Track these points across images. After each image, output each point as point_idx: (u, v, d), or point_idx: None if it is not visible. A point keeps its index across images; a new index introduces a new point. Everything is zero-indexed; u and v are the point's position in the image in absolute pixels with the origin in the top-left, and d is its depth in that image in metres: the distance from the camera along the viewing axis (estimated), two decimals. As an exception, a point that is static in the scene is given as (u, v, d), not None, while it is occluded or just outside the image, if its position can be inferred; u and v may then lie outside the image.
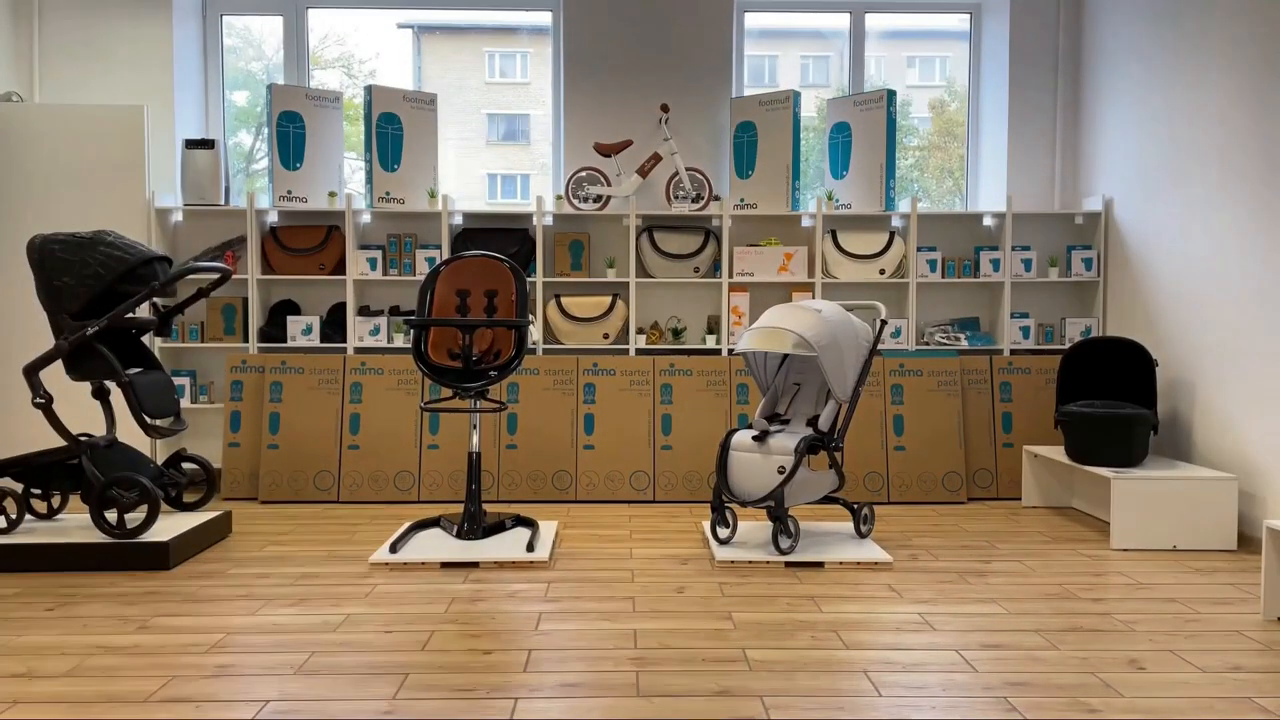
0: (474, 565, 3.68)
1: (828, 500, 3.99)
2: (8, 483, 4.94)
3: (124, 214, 5.09)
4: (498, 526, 4.06)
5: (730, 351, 5.29)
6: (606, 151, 5.36)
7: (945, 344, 5.38)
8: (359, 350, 5.37)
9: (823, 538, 4.03)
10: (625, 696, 2.47)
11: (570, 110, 5.55)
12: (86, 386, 4.92)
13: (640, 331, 5.44)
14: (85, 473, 3.79)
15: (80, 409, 4.98)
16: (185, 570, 3.65)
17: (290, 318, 5.31)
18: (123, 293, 3.76)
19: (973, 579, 3.55)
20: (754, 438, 3.87)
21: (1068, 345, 5.20)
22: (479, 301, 4.12)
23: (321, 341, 5.35)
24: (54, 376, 4.92)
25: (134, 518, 3.83)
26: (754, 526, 4.22)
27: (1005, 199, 5.40)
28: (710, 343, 5.37)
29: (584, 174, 5.43)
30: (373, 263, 5.31)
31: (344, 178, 5.52)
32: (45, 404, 3.76)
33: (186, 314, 5.46)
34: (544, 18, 5.77)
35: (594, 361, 5.11)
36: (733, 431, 3.96)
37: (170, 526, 3.86)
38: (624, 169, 5.52)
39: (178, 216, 5.46)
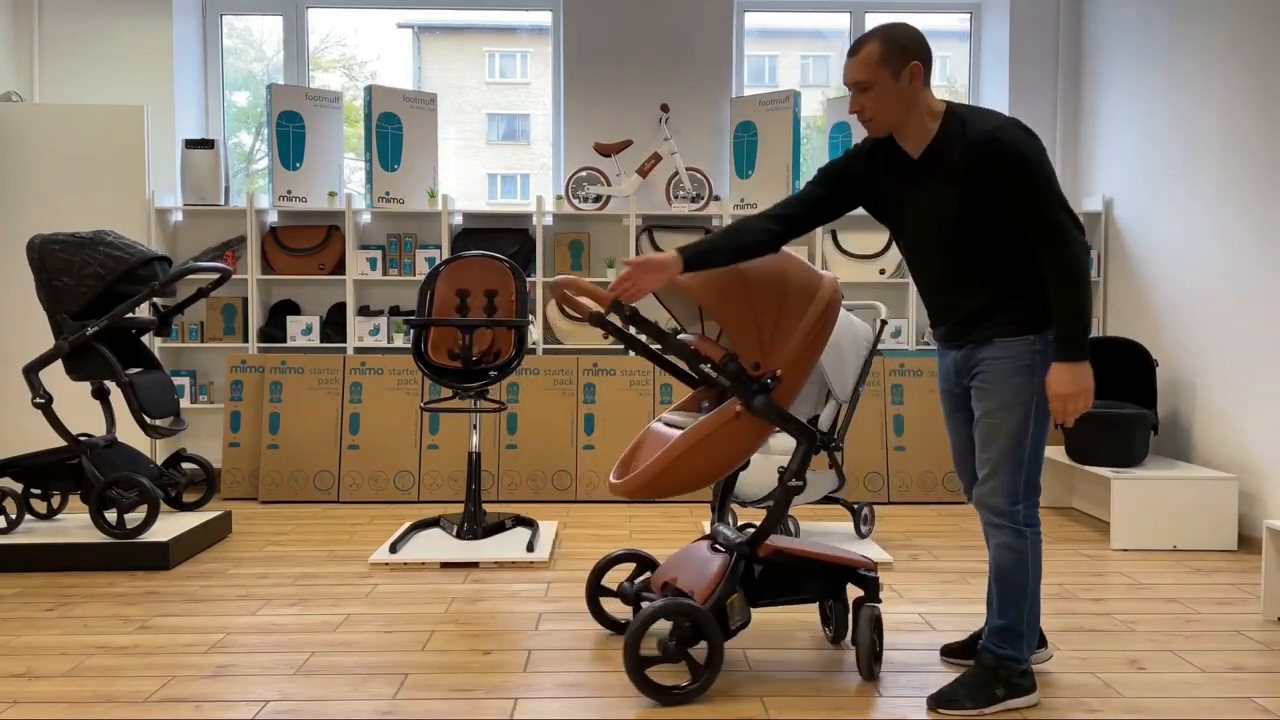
0: (474, 565, 3.68)
1: (828, 500, 3.98)
2: (8, 483, 4.94)
3: (124, 214, 5.09)
4: (498, 526, 4.06)
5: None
6: (606, 151, 5.36)
7: (945, 344, 5.37)
8: (359, 350, 5.37)
9: (823, 538, 4.03)
10: (625, 696, 2.47)
11: (570, 110, 5.54)
12: (86, 386, 4.92)
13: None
14: (85, 473, 3.79)
15: (80, 409, 4.97)
16: (185, 570, 3.65)
17: (290, 318, 5.31)
18: (122, 293, 3.76)
19: (973, 579, 3.55)
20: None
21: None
22: (479, 301, 4.11)
23: (321, 341, 5.35)
24: (54, 376, 4.91)
25: (134, 518, 3.83)
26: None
27: (1005, 199, 5.39)
28: (710, 343, 5.36)
29: (584, 174, 5.43)
30: (373, 263, 5.31)
31: (344, 178, 5.52)
32: (45, 404, 3.76)
33: (186, 314, 5.46)
34: (544, 18, 5.77)
35: (594, 361, 5.11)
36: (733, 431, 3.95)
37: (170, 526, 3.85)
38: (624, 169, 5.52)
39: (178, 216, 5.46)
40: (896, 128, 2.36)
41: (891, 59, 2.30)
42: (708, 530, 4.03)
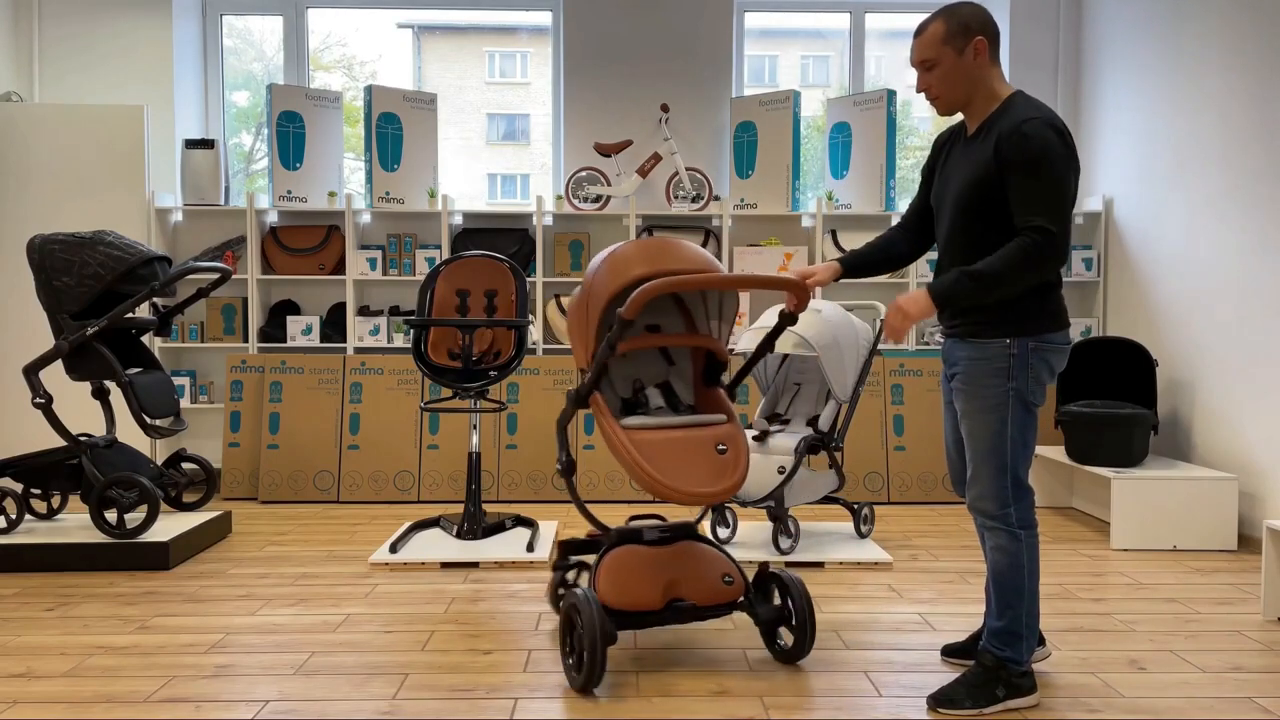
0: (474, 565, 3.68)
1: (828, 500, 3.98)
2: (8, 483, 4.94)
3: (124, 214, 5.09)
4: (498, 526, 4.06)
5: (731, 352, 5.29)
6: (606, 151, 5.36)
7: (945, 344, 5.37)
8: (359, 350, 5.37)
9: (823, 538, 4.03)
10: (625, 697, 2.47)
11: (570, 110, 5.54)
12: (86, 386, 4.92)
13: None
14: (85, 473, 3.79)
15: (80, 409, 4.98)
16: (185, 570, 3.65)
17: (290, 318, 5.32)
18: (123, 293, 3.76)
19: (973, 579, 3.55)
20: (754, 437, 3.87)
21: (1068, 345, 5.19)
22: (479, 301, 4.11)
23: (321, 341, 5.35)
24: (54, 376, 4.91)
25: (134, 518, 3.83)
26: (754, 527, 4.22)
27: (1005, 199, 5.40)
28: (710, 343, 5.36)
29: (584, 174, 5.43)
30: (373, 263, 5.31)
31: (344, 178, 5.52)
32: (45, 404, 3.76)
33: (186, 314, 5.46)
34: (544, 18, 5.77)
35: (594, 361, 5.11)
36: (733, 431, 3.96)
37: (170, 526, 3.86)
38: (624, 169, 5.52)
39: (178, 216, 5.46)
40: (963, 105, 2.40)
41: (955, 36, 2.33)
42: (707, 530, 4.03)
